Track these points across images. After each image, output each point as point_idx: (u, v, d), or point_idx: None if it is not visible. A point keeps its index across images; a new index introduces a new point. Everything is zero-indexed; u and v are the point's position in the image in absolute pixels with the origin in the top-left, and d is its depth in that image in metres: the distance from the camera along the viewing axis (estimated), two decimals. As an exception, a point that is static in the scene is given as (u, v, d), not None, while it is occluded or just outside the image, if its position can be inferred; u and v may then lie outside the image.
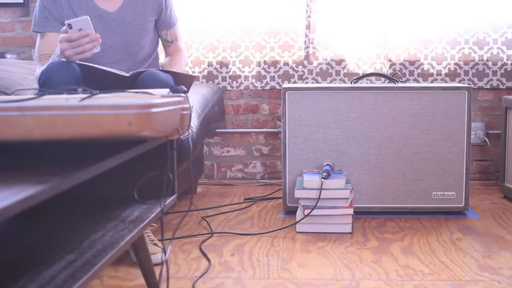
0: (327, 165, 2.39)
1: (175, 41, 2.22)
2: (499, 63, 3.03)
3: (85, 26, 1.72)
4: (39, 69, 1.90)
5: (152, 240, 1.91)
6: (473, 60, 3.04)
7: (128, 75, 1.78)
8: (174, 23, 2.19)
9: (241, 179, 3.23)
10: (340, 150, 2.47)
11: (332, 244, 2.07)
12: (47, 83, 1.70)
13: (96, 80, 1.73)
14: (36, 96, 1.12)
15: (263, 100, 3.19)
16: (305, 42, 3.08)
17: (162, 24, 2.16)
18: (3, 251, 1.07)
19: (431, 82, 3.05)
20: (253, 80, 3.14)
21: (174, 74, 1.88)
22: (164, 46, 2.23)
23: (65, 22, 1.74)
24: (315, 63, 3.09)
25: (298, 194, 2.28)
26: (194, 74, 3.14)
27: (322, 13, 3.06)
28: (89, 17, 1.73)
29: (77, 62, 1.77)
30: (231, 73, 3.14)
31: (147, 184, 1.39)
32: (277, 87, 3.13)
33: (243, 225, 2.34)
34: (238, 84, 3.15)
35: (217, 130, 3.15)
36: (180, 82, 1.88)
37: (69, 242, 1.10)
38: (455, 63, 3.05)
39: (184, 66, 2.19)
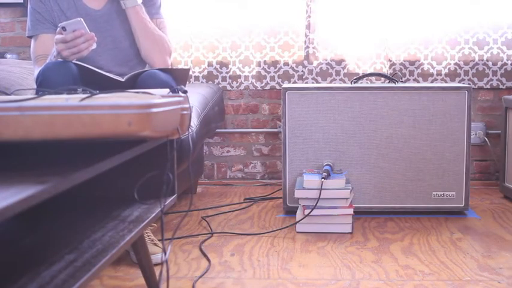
0: (327, 165, 2.39)
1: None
2: (499, 63, 3.03)
3: (79, 27, 1.74)
4: (36, 71, 1.91)
5: (152, 240, 1.91)
6: (473, 60, 3.04)
7: (123, 80, 1.78)
8: (155, 15, 2.11)
9: (241, 179, 3.23)
10: (340, 150, 2.47)
11: (332, 244, 2.07)
12: (45, 83, 1.70)
13: (93, 81, 1.74)
14: (36, 96, 1.12)
15: (263, 100, 3.19)
16: (305, 42, 3.08)
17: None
18: (3, 251, 1.07)
19: (431, 82, 3.05)
20: (253, 80, 3.14)
21: (169, 71, 1.88)
22: None
23: (59, 25, 1.76)
24: (315, 63, 3.09)
25: (298, 194, 2.28)
26: (194, 75, 3.14)
27: (322, 13, 3.06)
28: (82, 19, 1.75)
29: (74, 62, 1.78)
30: (231, 73, 3.14)
31: (147, 184, 1.39)
32: (277, 87, 3.13)
33: (243, 225, 2.34)
34: (238, 84, 3.15)
35: (217, 130, 3.15)
36: (175, 76, 1.88)
37: (69, 242, 1.10)
38: (455, 63, 3.05)
39: (166, 46, 2.07)
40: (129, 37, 2.06)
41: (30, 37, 2.04)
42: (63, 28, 1.74)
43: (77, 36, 1.73)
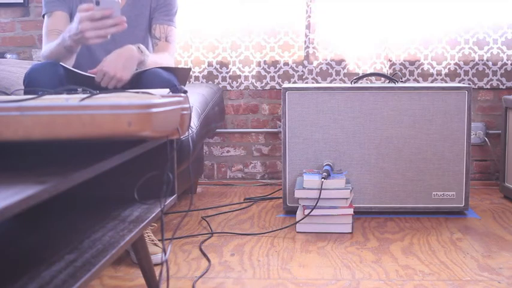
0: (327, 165, 2.39)
1: (165, 41, 2.05)
2: (499, 63, 3.03)
3: (113, 7, 1.58)
4: (46, 45, 1.88)
5: (152, 240, 1.91)
6: (473, 60, 3.04)
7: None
8: (167, 22, 2.06)
9: (241, 179, 3.23)
10: (340, 150, 2.47)
11: (332, 244, 2.07)
12: (32, 84, 1.68)
13: (80, 84, 1.72)
14: (36, 96, 1.12)
15: (263, 100, 3.19)
16: (305, 42, 3.08)
17: (154, 17, 2.04)
18: (3, 251, 1.07)
19: (431, 82, 3.05)
20: (253, 80, 3.14)
21: (171, 69, 1.87)
22: (152, 46, 2.09)
23: None
24: (315, 63, 3.09)
25: (298, 194, 2.28)
26: (194, 75, 3.14)
27: (322, 13, 3.06)
28: (120, 1, 1.60)
29: (63, 65, 1.75)
30: (231, 73, 3.14)
31: (147, 184, 1.39)
32: (277, 87, 3.14)
33: (243, 225, 2.34)
34: (238, 84, 3.15)
35: (217, 130, 3.15)
36: (177, 76, 1.87)
37: (69, 242, 1.10)
38: (455, 63, 3.05)
39: (170, 63, 2.02)
40: (142, 43, 2.02)
41: (43, 16, 1.99)
42: (97, 2, 1.57)
43: (106, 15, 1.58)
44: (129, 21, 1.99)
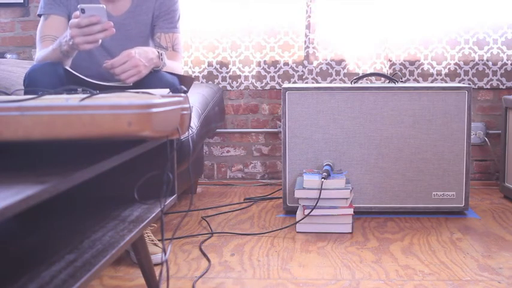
0: (327, 165, 2.39)
1: (172, 50, 2.03)
2: (499, 63, 3.03)
3: (98, 14, 1.61)
4: (39, 51, 1.87)
5: (152, 240, 1.91)
6: (473, 60, 3.04)
7: (131, 84, 1.76)
8: (172, 29, 2.03)
9: (241, 179, 3.23)
10: (340, 150, 2.47)
11: (332, 244, 2.07)
12: (31, 85, 1.67)
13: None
14: (35, 96, 1.12)
15: (263, 100, 3.19)
16: (305, 42, 3.08)
17: (157, 25, 2.02)
18: (3, 251, 1.07)
19: (431, 82, 3.05)
20: (253, 80, 3.14)
21: (173, 74, 1.87)
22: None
23: (78, 6, 1.62)
24: (315, 63, 3.09)
25: (298, 194, 2.28)
26: (194, 75, 3.14)
27: (322, 13, 3.06)
28: (105, 7, 1.63)
29: (65, 68, 1.74)
30: (231, 73, 3.14)
31: (147, 184, 1.39)
32: (277, 87, 3.14)
33: (243, 225, 2.34)
34: (238, 84, 3.15)
35: (217, 130, 3.15)
36: (180, 84, 1.87)
37: (69, 242, 1.10)
38: (455, 63, 3.05)
39: (179, 70, 2.02)
40: None
41: (39, 16, 1.96)
42: (82, 10, 1.60)
43: (93, 22, 1.60)
44: (130, 28, 1.98)
